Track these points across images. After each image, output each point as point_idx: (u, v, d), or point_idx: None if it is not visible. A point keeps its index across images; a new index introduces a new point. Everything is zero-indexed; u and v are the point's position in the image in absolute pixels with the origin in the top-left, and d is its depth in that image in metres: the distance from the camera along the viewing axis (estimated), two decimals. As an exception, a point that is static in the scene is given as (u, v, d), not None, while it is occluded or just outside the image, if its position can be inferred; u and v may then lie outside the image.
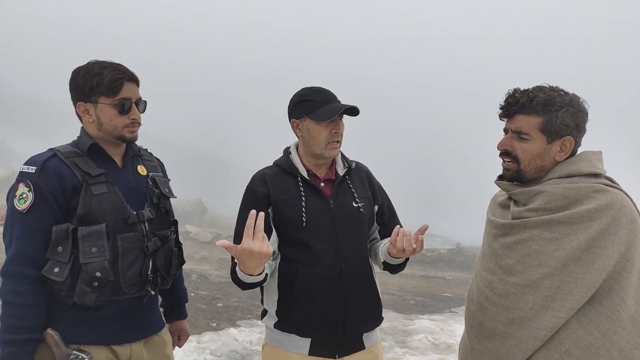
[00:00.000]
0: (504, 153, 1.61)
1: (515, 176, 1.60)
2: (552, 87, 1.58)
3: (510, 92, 1.61)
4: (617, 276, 1.39)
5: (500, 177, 1.69)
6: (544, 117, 1.52)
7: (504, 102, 1.61)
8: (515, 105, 1.56)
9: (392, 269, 1.93)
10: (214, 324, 5.68)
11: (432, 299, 8.57)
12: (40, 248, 1.61)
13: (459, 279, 10.51)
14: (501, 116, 1.63)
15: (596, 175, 1.53)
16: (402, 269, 1.95)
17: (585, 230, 1.42)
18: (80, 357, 1.59)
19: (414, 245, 1.68)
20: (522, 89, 1.60)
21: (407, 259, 1.89)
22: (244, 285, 1.73)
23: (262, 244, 1.52)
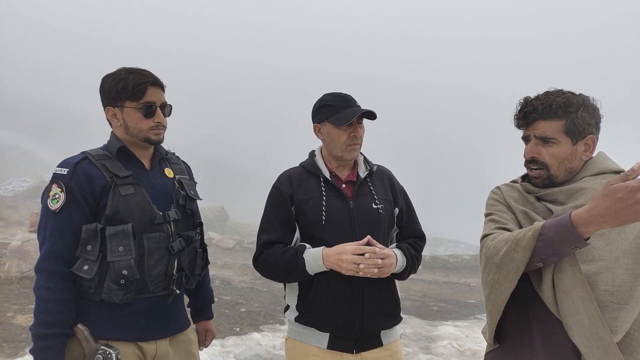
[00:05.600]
0: (531, 161, 1.60)
1: (547, 182, 1.60)
2: (560, 90, 1.60)
3: (523, 101, 1.62)
4: None
5: (523, 178, 1.71)
6: (566, 119, 1.54)
7: (520, 111, 1.61)
8: (534, 112, 1.57)
9: (394, 275, 1.93)
10: (238, 329, 5.73)
11: (456, 305, 8.46)
12: (71, 246, 1.67)
13: (484, 285, 10.32)
14: (519, 126, 1.64)
15: (619, 172, 1.55)
16: (402, 278, 1.96)
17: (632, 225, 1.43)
18: (107, 352, 1.63)
19: (375, 270, 1.74)
20: (532, 97, 1.61)
21: (405, 270, 1.92)
22: (302, 275, 1.82)
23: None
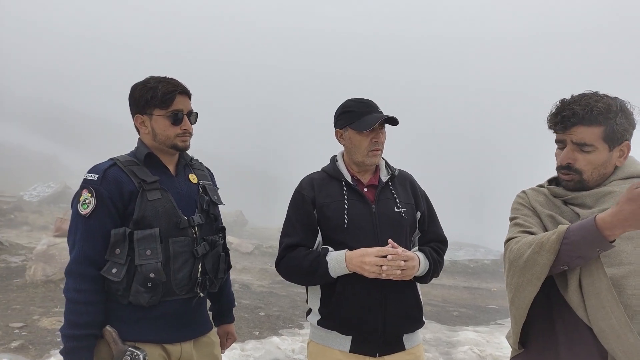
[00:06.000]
0: (566, 167, 1.57)
1: (579, 186, 1.57)
2: (596, 92, 1.55)
3: (560, 104, 1.57)
4: None
5: (550, 182, 1.69)
6: (605, 126, 1.50)
7: (558, 114, 1.56)
8: (573, 117, 1.52)
9: (416, 279, 1.93)
10: (257, 333, 5.76)
11: (476, 310, 8.36)
12: (100, 250, 1.72)
13: (504, 290, 10.20)
14: (556, 130, 1.59)
15: None
16: (424, 282, 1.96)
17: None
18: (135, 353, 1.67)
19: (398, 272, 1.75)
20: (569, 100, 1.56)
21: (428, 274, 1.92)
22: (325, 278, 1.84)
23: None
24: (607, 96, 1.54)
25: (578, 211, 1.56)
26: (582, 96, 1.54)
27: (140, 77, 1.90)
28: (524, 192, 1.75)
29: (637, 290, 1.38)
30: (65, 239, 7.26)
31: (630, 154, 1.59)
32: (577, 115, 1.50)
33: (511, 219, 1.70)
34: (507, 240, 1.61)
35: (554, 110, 1.58)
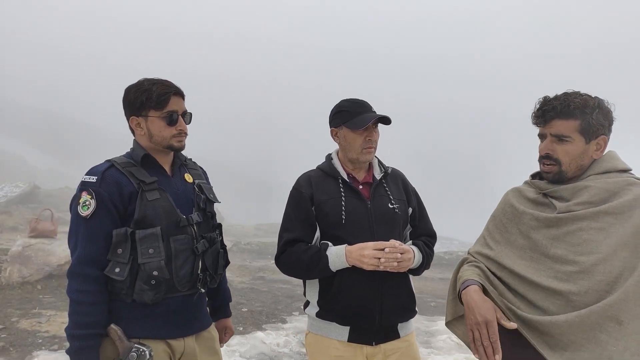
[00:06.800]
0: (545, 157, 1.72)
1: (557, 177, 1.71)
2: (578, 92, 1.70)
3: (542, 100, 1.72)
4: None
5: (533, 176, 1.83)
6: (581, 119, 1.64)
7: (539, 109, 1.72)
8: (552, 111, 1.67)
9: (410, 271, 2.04)
10: (241, 328, 5.81)
11: (452, 300, 8.60)
12: (103, 250, 1.75)
13: (479, 280, 10.47)
14: (537, 123, 1.74)
15: (625, 171, 1.68)
16: (417, 274, 2.08)
17: (629, 219, 1.56)
18: (141, 349, 1.72)
19: (395, 264, 1.86)
20: (551, 97, 1.71)
21: (421, 266, 2.04)
22: (325, 271, 1.93)
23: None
24: (587, 94, 1.69)
25: (555, 203, 1.70)
26: (563, 94, 1.70)
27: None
28: (507, 194, 1.90)
29: (604, 276, 1.52)
30: (41, 240, 7.10)
31: (612, 150, 1.72)
32: (556, 110, 1.66)
33: (489, 219, 1.90)
34: (468, 253, 1.89)
35: (536, 106, 1.73)
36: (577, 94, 1.68)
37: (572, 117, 1.64)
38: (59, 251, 7.23)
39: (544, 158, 1.73)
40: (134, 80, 1.94)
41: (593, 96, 1.68)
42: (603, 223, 1.58)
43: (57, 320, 5.59)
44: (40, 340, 4.93)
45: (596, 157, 1.69)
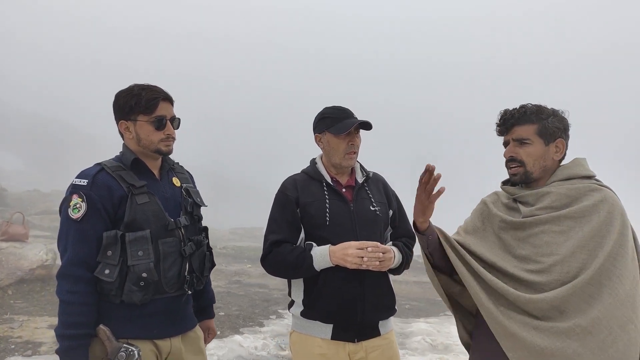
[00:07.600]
0: (510, 160, 1.87)
1: (524, 178, 1.86)
2: (535, 103, 1.89)
3: (502, 111, 1.91)
4: (613, 260, 1.64)
5: (505, 183, 1.97)
6: (538, 123, 1.83)
7: (500, 120, 1.90)
8: (511, 119, 1.86)
9: (390, 271, 2.14)
10: (218, 332, 5.80)
11: (426, 303, 8.78)
12: (93, 252, 1.79)
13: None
14: (500, 132, 1.92)
15: (589, 177, 1.83)
16: (397, 273, 2.17)
17: (588, 223, 1.70)
18: (130, 349, 1.76)
19: (377, 263, 1.95)
20: (510, 108, 1.90)
21: (401, 266, 2.13)
22: (309, 271, 2.01)
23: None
24: (542, 104, 1.88)
25: (521, 208, 1.86)
26: (520, 105, 1.89)
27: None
28: (486, 196, 2.04)
29: (561, 275, 1.67)
30: (12, 244, 6.96)
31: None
32: (514, 117, 1.86)
33: (466, 218, 2.04)
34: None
35: (498, 117, 1.92)
36: (532, 104, 1.87)
37: (530, 122, 1.83)
38: (31, 255, 7.09)
39: (509, 161, 1.89)
40: (121, 82, 1.98)
41: (549, 107, 1.86)
42: (563, 226, 1.73)
43: (30, 326, 5.49)
44: (13, 346, 4.84)
45: (557, 158, 1.86)
